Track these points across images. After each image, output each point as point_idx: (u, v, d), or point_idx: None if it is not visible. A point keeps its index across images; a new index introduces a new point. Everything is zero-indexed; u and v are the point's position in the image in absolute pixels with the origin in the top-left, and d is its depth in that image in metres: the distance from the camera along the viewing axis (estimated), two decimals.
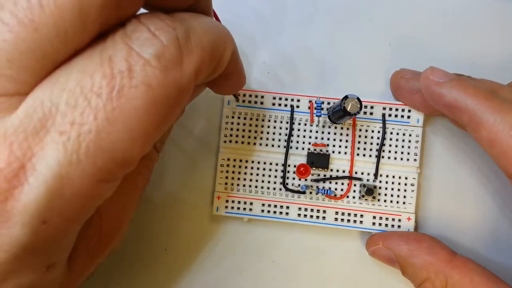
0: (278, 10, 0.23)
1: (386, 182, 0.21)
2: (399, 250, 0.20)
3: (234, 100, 0.22)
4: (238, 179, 0.22)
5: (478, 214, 0.22)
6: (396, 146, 0.22)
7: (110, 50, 0.11)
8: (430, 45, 0.23)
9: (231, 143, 0.22)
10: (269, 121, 0.22)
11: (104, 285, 0.22)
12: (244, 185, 0.22)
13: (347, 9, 0.23)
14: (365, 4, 0.23)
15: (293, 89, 0.22)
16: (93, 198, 0.12)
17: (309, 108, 0.22)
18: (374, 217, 0.21)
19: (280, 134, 0.22)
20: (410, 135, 0.22)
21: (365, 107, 0.22)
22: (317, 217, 0.21)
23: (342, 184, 0.22)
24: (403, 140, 0.22)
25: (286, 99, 0.22)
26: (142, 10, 0.13)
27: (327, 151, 0.22)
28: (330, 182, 0.22)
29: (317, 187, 0.21)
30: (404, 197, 0.21)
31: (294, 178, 0.22)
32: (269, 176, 0.22)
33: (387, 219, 0.21)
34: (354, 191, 0.22)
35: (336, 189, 0.22)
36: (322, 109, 0.21)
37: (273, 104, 0.22)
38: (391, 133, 0.22)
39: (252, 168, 0.22)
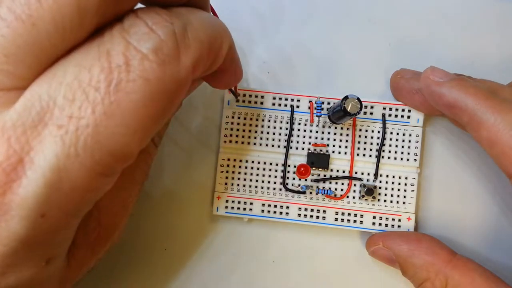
0: (278, 10, 0.23)
1: (386, 182, 0.21)
2: (399, 250, 0.20)
3: (234, 100, 0.22)
4: (238, 179, 0.22)
5: (478, 214, 0.22)
6: (396, 146, 0.22)
7: (107, 44, 0.11)
8: (430, 45, 0.23)
9: (231, 143, 0.22)
10: (269, 121, 0.22)
11: (104, 285, 0.22)
12: (244, 185, 0.22)
13: (347, 9, 0.23)
14: (365, 4, 0.23)
15: (293, 89, 0.22)
16: (91, 191, 0.12)
17: (309, 108, 0.22)
18: (374, 217, 0.21)
19: (280, 134, 0.22)
20: (410, 135, 0.22)
21: (365, 107, 0.22)
22: (317, 217, 0.21)
23: (342, 184, 0.22)
24: (403, 140, 0.22)
25: (286, 99, 0.22)
26: (139, 6, 0.13)
27: (327, 151, 0.22)
28: (330, 182, 0.22)
29: (317, 187, 0.21)
30: (404, 197, 0.21)
31: (294, 178, 0.22)
32: (269, 176, 0.22)
33: (387, 219, 0.21)
34: (354, 191, 0.22)
35: (336, 189, 0.22)
36: (322, 109, 0.21)
37: (273, 104, 0.22)
38: (391, 133, 0.22)
39: (252, 168, 0.22)
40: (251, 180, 0.22)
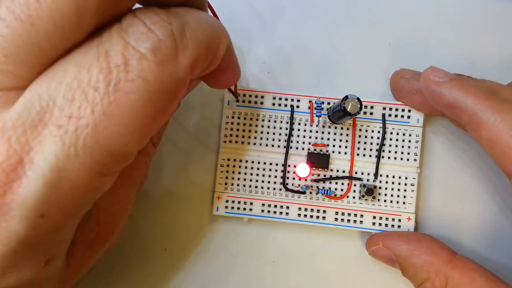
0: (278, 10, 0.23)
1: (386, 182, 0.21)
2: (399, 250, 0.20)
3: (234, 100, 0.22)
4: (238, 179, 0.22)
5: (478, 214, 0.22)
6: (396, 146, 0.22)
7: (106, 44, 0.11)
8: (430, 45, 0.23)
9: (231, 143, 0.22)
10: (269, 121, 0.22)
11: (104, 285, 0.22)
12: (244, 185, 0.22)
13: (347, 9, 0.23)
14: (365, 4, 0.23)
15: (293, 89, 0.22)
16: (90, 191, 0.12)
17: (309, 108, 0.22)
18: (374, 217, 0.21)
19: (280, 134, 0.22)
20: (410, 135, 0.22)
21: (365, 107, 0.22)
22: (317, 217, 0.21)
23: (342, 184, 0.22)
24: (403, 140, 0.22)
25: (286, 99, 0.22)
26: (137, 6, 0.13)
27: (327, 151, 0.22)
28: (330, 182, 0.22)
29: (317, 187, 0.21)
30: (404, 197, 0.21)
31: (294, 178, 0.22)
32: (269, 176, 0.22)
33: (387, 219, 0.21)
34: (354, 191, 0.22)
35: (336, 189, 0.21)
36: (322, 109, 0.21)
37: (273, 104, 0.22)
38: (391, 133, 0.22)
39: (252, 168, 0.22)
40: (251, 180, 0.22)
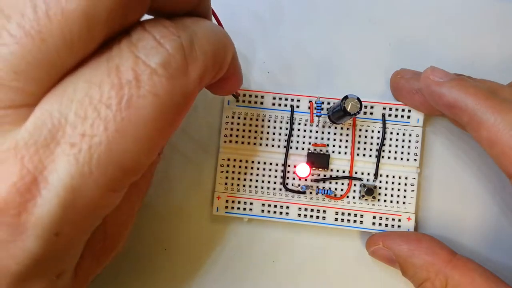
0: (278, 10, 0.23)
1: (386, 182, 0.21)
2: (399, 250, 0.20)
3: (234, 100, 0.22)
4: (238, 179, 0.22)
5: (478, 214, 0.22)
6: (396, 146, 0.22)
7: (116, 59, 0.11)
8: (430, 45, 0.23)
9: (231, 143, 0.22)
10: (269, 121, 0.22)
11: (104, 285, 0.22)
12: (244, 185, 0.22)
13: (347, 9, 0.23)
14: (365, 4, 0.23)
15: (293, 89, 0.22)
16: (102, 208, 0.12)
17: (309, 108, 0.22)
18: (374, 217, 0.21)
19: (280, 134, 0.22)
20: (410, 135, 0.22)
21: (365, 107, 0.22)
22: (317, 217, 0.21)
23: (342, 184, 0.22)
24: (403, 140, 0.22)
25: (286, 99, 0.22)
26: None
27: (327, 151, 0.22)
28: (330, 182, 0.22)
29: (317, 187, 0.21)
30: (404, 197, 0.21)
31: (294, 178, 0.22)
32: (269, 176, 0.22)
33: (387, 219, 0.21)
34: (354, 191, 0.22)
35: (336, 189, 0.21)
36: (322, 109, 0.21)
37: (273, 104, 0.22)
38: (391, 133, 0.22)
39: (252, 168, 0.22)
40: (251, 180, 0.22)
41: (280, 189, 0.22)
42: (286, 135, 0.22)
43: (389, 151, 0.22)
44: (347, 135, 0.22)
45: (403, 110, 0.22)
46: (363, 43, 0.23)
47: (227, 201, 0.22)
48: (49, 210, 0.11)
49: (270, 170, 0.22)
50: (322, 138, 0.22)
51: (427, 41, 0.23)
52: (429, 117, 0.22)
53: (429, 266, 0.19)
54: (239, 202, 0.22)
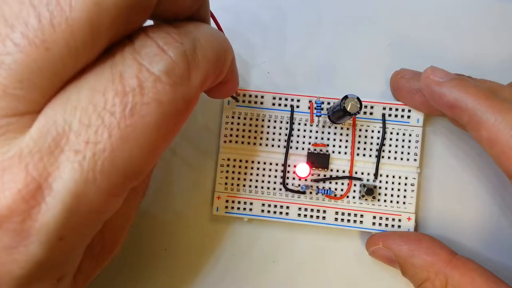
0: (278, 10, 0.23)
1: (386, 182, 0.21)
2: (399, 250, 0.20)
3: (234, 100, 0.22)
4: (238, 179, 0.22)
5: (478, 214, 0.22)
6: (396, 146, 0.22)
7: (120, 66, 0.11)
8: (430, 45, 0.23)
9: (231, 143, 0.22)
10: (269, 121, 0.22)
11: (104, 286, 0.22)
12: (244, 185, 0.22)
13: (346, 9, 0.23)
14: (365, 4, 0.23)
15: (293, 89, 0.22)
16: (105, 212, 0.12)
17: (309, 108, 0.22)
18: (374, 217, 0.21)
19: (280, 134, 0.22)
20: (410, 135, 0.22)
21: (365, 107, 0.22)
22: (317, 217, 0.21)
23: (342, 184, 0.22)
24: (403, 140, 0.22)
25: (286, 99, 0.22)
26: None
27: (327, 151, 0.22)
28: (330, 182, 0.22)
29: (317, 187, 0.21)
30: (404, 197, 0.21)
31: (294, 178, 0.22)
32: (269, 176, 0.22)
33: (387, 219, 0.21)
34: (354, 191, 0.21)
35: (336, 189, 0.21)
36: (322, 109, 0.21)
37: (273, 104, 0.22)
38: (391, 133, 0.22)
39: (252, 168, 0.22)
40: (251, 180, 0.22)
41: (280, 189, 0.22)
42: (286, 135, 0.22)
43: (389, 151, 0.22)
44: (347, 135, 0.22)
45: (403, 110, 0.22)
46: (363, 43, 0.23)
47: (227, 201, 0.22)
48: (54, 216, 0.11)
49: (270, 170, 0.22)
50: (322, 138, 0.22)
51: (427, 41, 0.23)
52: (429, 117, 0.22)
53: (429, 266, 0.19)
54: (239, 202, 0.22)
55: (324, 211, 0.22)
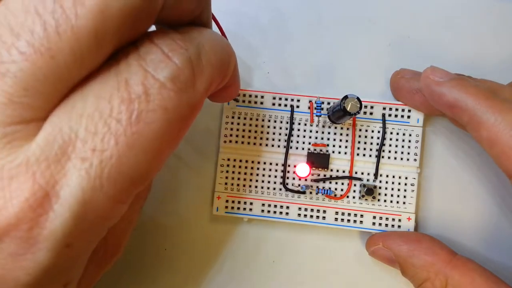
0: (278, 10, 0.23)
1: (386, 182, 0.21)
2: (399, 250, 0.20)
3: (234, 100, 0.22)
4: (238, 179, 0.22)
5: (478, 214, 0.22)
6: (396, 146, 0.22)
7: (125, 73, 0.11)
8: (430, 45, 0.23)
9: (231, 143, 0.22)
10: (269, 121, 0.22)
11: (103, 285, 0.22)
12: (244, 185, 0.22)
13: (346, 9, 0.23)
14: (365, 4, 0.23)
15: (293, 89, 0.22)
16: (111, 219, 0.13)
17: (309, 108, 0.22)
18: (374, 217, 0.21)
19: (280, 134, 0.22)
20: (410, 135, 0.22)
21: (365, 107, 0.22)
22: (317, 217, 0.21)
23: (342, 184, 0.22)
24: (403, 140, 0.22)
25: (286, 99, 0.22)
26: None
27: (327, 151, 0.22)
28: (330, 182, 0.22)
29: (317, 187, 0.21)
30: (404, 197, 0.21)
31: (294, 178, 0.22)
32: (269, 176, 0.22)
33: (387, 219, 0.21)
34: (354, 191, 0.21)
35: (336, 189, 0.21)
36: (322, 109, 0.21)
37: (273, 104, 0.22)
38: (391, 133, 0.22)
39: (252, 168, 0.22)
40: (251, 180, 0.22)
41: (280, 189, 0.22)
42: (286, 135, 0.22)
43: (389, 151, 0.22)
44: (347, 135, 0.22)
45: (403, 110, 0.22)
46: (363, 43, 0.23)
47: (227, 201, 0.22)
48: (61, 224, 0.11)
49: (270, 170, 0.22)
50: (322, 138, 0.22)
51: (427, 41, 0.23)
52: (429, 117, 0.22)
53: (429, 266, 0.19)
54: (239, 202, 0.22)
55: (324, 211, 0.22)
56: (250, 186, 0.22)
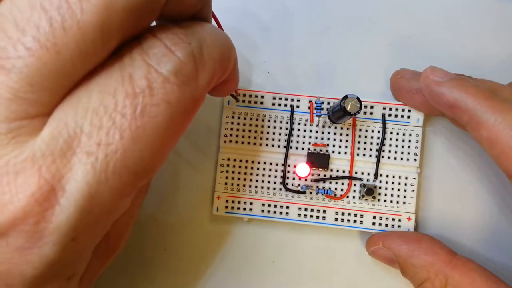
0: (278, 10, 0.23)
1: (386, 182, 0.21)
2: (399, 250, 0.20)
3: (234, 100, 0.22)
4: (238, 179, 0.22)
5: (478, 214, 0.22)
6: (396, 146, 0.22)
7: (129, 68, 0.12)
8: (430, 45, 0.23)
9: (231, 143, 0.22)
10: (269, 121, 0.22)
11: (103, 285, 0.22)
12: (244, 185, 0.22)
13: (346, 9, 0.23)
14: (365, 4, 0.23)
15: (293, 89, 0.22)
16: (115, 212, 0.13)
17: (309, 108, 0.22)
18: (374, 217, 0.21)
19: (280, 134, 0.22)
20: (410, 135, 0.22)
21: (365, 107, 0.22)
22: (317, 217, 0.21)
23: (342, 184, 0.22)
24: (403, 140, 0.22)
25: (286, 99, 0.22)
26: None
27: (327, 151, 0.22)
28: (330, 182, 0.22)
29: (317, 187, 0.21)
30: (404, 197, 0.21)
31: (294, 178, 0.22)
32: (269, 176, 0.22)
33: (387, 219, 0.21)
34: (354, 191, 0.22)
35: (336, 189, 0.21)
36: (322, 109, 0.21)
37: (273, 104, 0.22)
38: (391, 133, 0.22)
39: (252, 168, 0.22)
40: (251, 180, 0.22)
41: (280, 189, 0.22)
42: (286, 135, 0.22)
43: (389, 151, 0.22)
44: (347, 135, 0.22)
45: (403, 110, 0.22)
46: (363, 43, 0.23)
47: (227, 201, 0.22)
48: (67, 218, 0.11)
49: (270, 170, 0.22)
50: (322, 138, 0.22)
51: (427, 41, 0.23)
52: (429, 117, 0.22)
53: (429, 266, 0.19)
54: (239, 202, 0.22)
55: (324, 211, 0.22)
56: (250, 186, 0.22)
